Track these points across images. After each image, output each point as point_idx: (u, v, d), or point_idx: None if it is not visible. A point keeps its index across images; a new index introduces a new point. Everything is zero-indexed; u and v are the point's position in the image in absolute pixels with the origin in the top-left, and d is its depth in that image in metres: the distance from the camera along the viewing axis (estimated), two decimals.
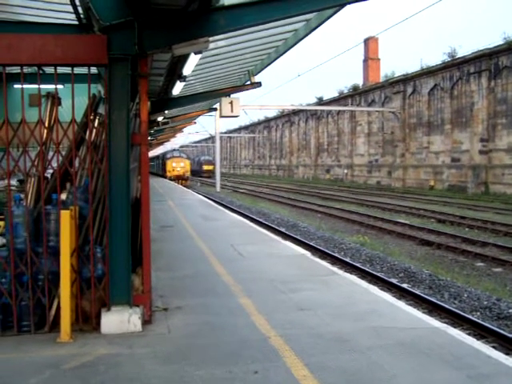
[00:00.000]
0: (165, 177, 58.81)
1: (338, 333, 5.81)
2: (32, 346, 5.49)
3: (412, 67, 64.50)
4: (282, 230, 20.51)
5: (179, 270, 9.37)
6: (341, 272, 9.42)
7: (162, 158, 66.15)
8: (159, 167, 69.94)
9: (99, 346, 5.42)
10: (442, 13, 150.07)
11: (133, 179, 7.41)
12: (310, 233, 20.12)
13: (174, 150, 66.06)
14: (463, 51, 43.46)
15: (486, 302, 10.29)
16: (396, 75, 51.81)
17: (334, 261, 13.91)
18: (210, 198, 33.53)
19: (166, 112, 19.75)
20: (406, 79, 48.37)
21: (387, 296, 7.75)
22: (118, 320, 5.85)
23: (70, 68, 6.06)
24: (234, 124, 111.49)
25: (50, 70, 6.46)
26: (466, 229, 20.75)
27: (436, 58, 69.21)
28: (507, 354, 6.64)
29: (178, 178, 55.99)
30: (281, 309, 6.79)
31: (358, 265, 13.69)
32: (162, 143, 70.19)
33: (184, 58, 9.91)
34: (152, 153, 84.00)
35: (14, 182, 9.15)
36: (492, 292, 11.26)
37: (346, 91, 61.74)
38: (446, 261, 15.05)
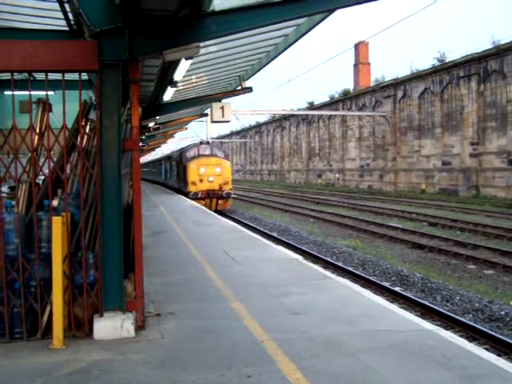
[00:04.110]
0: (186, 194, 32.25)
1: (330, 336, 5.81)
2: (24, 353, 5.47)
3: (402, 71, 64.92)
4: (274, 234, 20.55)
5: (172, 275, 9.35)
6: (333, 276, 9.44)
7: (180, 159, 36.29)
8: (172, 175, 41.49)
9: (92, 352, 5.40)
10: (431, 17, 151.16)
11: (124, 185, 7.40)
12: (303, 237, 20.16)
13: (202, 143, 36.35)
14: (453, 55, 43.87)
15: (477, 305, 10.34)
16: (386, 79, 52.12)
17: (327, 265, 13.94)
18: None
19: (157, 118, 19.76)
20: (396, 83, 48.57)
21: (380, 299, 7.77)
22: (111, 326, 5.83)
23: (60, 74, 6.06)
24: (225, 129, 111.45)
25: (40, 76, 6.46)
26: (458, 232, 20.85)
27: (426, 63, 69.66)
28: (499, 355, 6.69)
29: (212, 196, 31.42)
30: (273, 313, 6.79)
31: (350, 269, 13.73)
32: (153, 149, 68.04)
33: (175, 64, 9.93)
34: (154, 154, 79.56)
35: (5, 188, 9.11)
36: (483, 294, 11.32)
37: (336, 96, 61.89)
38: (437, 264, 15.11)
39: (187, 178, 32.06)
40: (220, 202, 31.56)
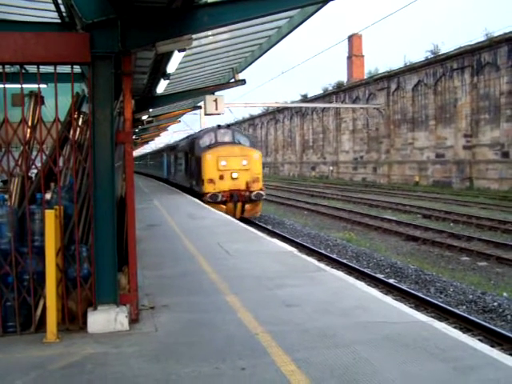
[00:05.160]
0: (200, 195, 23.77)
1: (324, 328, 5.81)
2: (18, 346, 5.44)
3: (396, 64, 64.91)
4: (269, 227, 20.54)
5: (165, 268, 9.33)
6: (327, 268, 9.44)
7: (190, 149, 27.26)
8: (178, 170, 32.66)
9: (86, 346, 5.39)
10: (425, 9, 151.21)
11: (117, 178, 7.37)
12: (297, 230, 20.18)
13: (220, 126, 26.48)
14: (446, 48, 43.91)
15: (471, 296, 10.39)
16: (380, 72, 52.11)
17: (321, 257, 13.96)
18: None
19: (151, 110, 19.71)
20: (389, 76, 48.58)
21: (374, 291, 7.77)
22: (105, 319, 5.81)
23: (52, 67, 6.01)
24: (218, 122, 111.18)
25: (32, 69, 6.41)
26: (452, 224, 20.91)
27: (419, 55, 69.66)
28: (492, 346, 6.73)
29: (236, 199, 22.93)
30: (268, 305, 6.79)
31: (344, 261, 13.76)
32: (146, 142, 67.52)
33: (168, 56, 9.89)
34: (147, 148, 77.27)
35: None
36: (477, 286, 11.38)
37: (330, 88, 61.84)
38: (431, 256, 15.17)
39: (202, 173, 23.49)
40: (247, 206, 23.25)
